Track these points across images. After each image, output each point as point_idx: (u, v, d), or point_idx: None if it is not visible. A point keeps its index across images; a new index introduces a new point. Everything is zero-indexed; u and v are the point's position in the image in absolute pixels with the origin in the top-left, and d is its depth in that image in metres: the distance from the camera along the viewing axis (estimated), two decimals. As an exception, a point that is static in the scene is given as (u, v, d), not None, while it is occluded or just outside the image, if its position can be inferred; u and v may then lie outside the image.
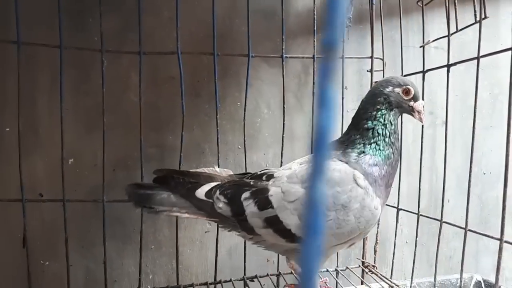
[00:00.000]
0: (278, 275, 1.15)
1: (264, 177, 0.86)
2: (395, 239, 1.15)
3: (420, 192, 1.10)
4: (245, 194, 0.83)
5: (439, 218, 1.00)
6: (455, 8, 0.89)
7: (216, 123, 1.06)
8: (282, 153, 1.12)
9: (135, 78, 1.14)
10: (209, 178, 0.90)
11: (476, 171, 1.49)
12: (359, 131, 0.83)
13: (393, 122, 0.84)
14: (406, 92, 0.84)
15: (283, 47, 1.07)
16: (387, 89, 0.84)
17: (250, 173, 0.93)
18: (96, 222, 1.08)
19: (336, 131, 1.21)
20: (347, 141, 0.84)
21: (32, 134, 1.13)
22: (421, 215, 1.07)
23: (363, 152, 0.81)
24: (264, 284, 1.14)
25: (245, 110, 1.08)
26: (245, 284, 1.11)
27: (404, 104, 0.85)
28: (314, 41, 1.10)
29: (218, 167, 1.08)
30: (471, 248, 1.50)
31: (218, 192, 0.85)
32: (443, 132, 1.40)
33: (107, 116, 1.14)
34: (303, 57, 1.14)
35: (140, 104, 1.00)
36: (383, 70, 1.16)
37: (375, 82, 0.87)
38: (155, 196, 0.87)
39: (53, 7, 0.96)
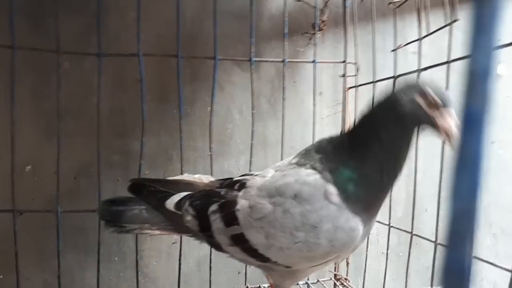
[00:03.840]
0: (246, 289, 1.09)
1: (236, 186, 0.77)
2: (366, 250, 1.11)
3: (391, 202, 1.05)
4: (213, 207, 0.75)
5: (412, 230, 0.96)
6: (426, 12, 0.85)
7: (179, 129, 1.01)
8: (251, 160, 1.07)
9: (98, 80, 1.09)
10: (188, 185, 0.82)
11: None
12: (356, 142, 0.69)
13: (396, 141, 0.66)
14: (431, 105, 0.64)
15: (252, 50, 1.02)
16: (405, 97, 0.66)
17: (232, 178, 0.83)
18: (55, 233, 1.02)
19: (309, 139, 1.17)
20: (338, 146, 0.71)
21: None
22: (391, 226, 1.03)
23: (348, 165, 0.68)
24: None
25: (211, 116, 1.03)
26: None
27: (425, 118, 0.65)
28: (284, 44, 1.05)
29: (182, 174, 1.03)
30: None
31: (187, 203, 0.77)
32: (420, 139, 1.37)
33: (69, 121, 1.09)
34: (272, 61, 1.09)
35: (98, 108, 0.95)
36: (356, 75, 1.12)
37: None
38: (126, 212, 0.79)
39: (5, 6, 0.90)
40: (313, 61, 1.07)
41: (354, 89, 1.14)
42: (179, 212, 0.76)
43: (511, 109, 1.51)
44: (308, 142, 1.19)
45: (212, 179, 0.86)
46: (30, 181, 1.09)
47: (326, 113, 1.31)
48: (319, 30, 1.14)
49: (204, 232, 0.76)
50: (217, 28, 1.01)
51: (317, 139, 1.16)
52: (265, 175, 0.78)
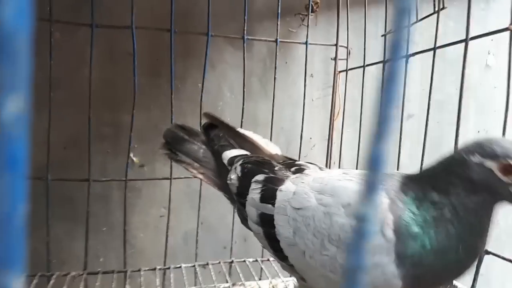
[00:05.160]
0: (231, 263, 1.12)
1: (294, 168, 0.72)
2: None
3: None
4: (259, 176, 0.70)
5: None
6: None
7: (171, 104, 1.03)
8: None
9: (90, 53, 1.09)
10: (253, 147, 0.80)
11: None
12: (425, 191, 0.56)
13: (472, 211, 0.54)
14: (506, 170, 0.52)
15: (245, 28, 1.03)
16: (473, 159, 0.54)
17: (296, 160, 0.79)
18: (44, 200, 1.03)
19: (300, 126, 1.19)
20: (416, 183, 0.58)
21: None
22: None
23: (413, 213, 0.55)
24: (219, 272, 1.12)
25: (202, 92, 1.04)
26: (195, 271, 1.08)
27: (500, 188, 0.53)
28: (277, 24, 1.06)
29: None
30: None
31: (240, 162, 0.74)
32: (409, 126, 1.40)
33: (60, 92, 1.09)
34: (265, 40, 1.10)
35: (90, 79, 0.96)
36: (347, 58, 1.14)
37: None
38: (186, 143, 0.81)
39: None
40: (305, 43, 1.08)
41: (344, 72, 1.16)
42: (229, 167, 0.75)
43: (499, 99, 1.53)
44: (298, 123, 1.21)
45: (279, 151, 0.82)
46: None
47: (316, 96, 1.33)
48: (312, 12, 1.15)
49: (239, 197, 0.72)
50: (211, 5, 1.01)
51: (306, 121, 1.20)
52: (331, 172, 0.70)
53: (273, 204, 0.65)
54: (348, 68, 1.15)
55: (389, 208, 0.55)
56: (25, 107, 0.14)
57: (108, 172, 1.17)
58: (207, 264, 1.10)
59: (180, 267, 1.07)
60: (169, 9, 1.05)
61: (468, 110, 1.47)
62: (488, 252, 0.76)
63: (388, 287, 0.55)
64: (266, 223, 0.66)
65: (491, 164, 0.52)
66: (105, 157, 1.17)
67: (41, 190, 1.07)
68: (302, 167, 0.72)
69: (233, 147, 0.79)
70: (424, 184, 0.57)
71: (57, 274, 1.01)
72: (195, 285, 1.04)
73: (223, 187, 0.77)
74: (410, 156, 1.40)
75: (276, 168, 0.71)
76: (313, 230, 0.60)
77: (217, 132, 0.81)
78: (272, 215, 0.65)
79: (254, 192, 0.69)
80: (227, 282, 1.05)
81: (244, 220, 0.73)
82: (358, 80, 1.16)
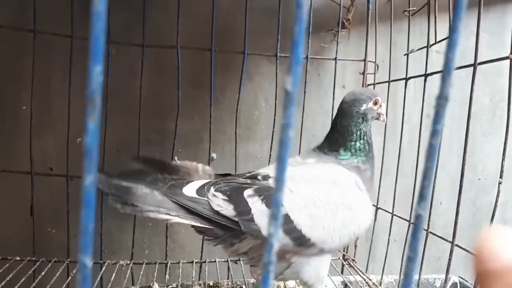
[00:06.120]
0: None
1: (259, 177, 0.81)
2: (372, 235, 1.20)
3: (395, 192, 1.14)
4: (248, 191, 0.76)
5: (410, 219, 1.04)
6: (435, 20, 0.91)
7: (210, 114, 1.14)
8: (271, 146, 1.19)
9: (140, 67, 1.23)
10: (188, 175, 0.82)
11: (471, 176, 1.50)
12: (347, 146, 0.88)
13: (369, 134, 0.90)
14: (376, 102, 0.90)
15: (278, 46, 1.12)
16: (362, 108, 0.88)
17: (230, 174, 0.88)
18: (98, 197, 1.18)
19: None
20: (335, 151, 0.88)
21: (46, 114, 1.24)
22: (394, 215, 1.12)
23: (355, 161, 0.87)
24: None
25: (238, 104, 1.15)
26: (228, 266, 1.19)
27: (374, 113, 0.91)
28: (308, 42, 1.14)
29: (210, 156, 1.16)
30: (459, 250, 1.53)
31: (212, 189, 0.75)
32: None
33: (114, 101, 1.23)
34: (296, 57, 1.18)
35: (140, 91, 1.09)
36: (375, 73, 1.20)
37: (344, 98, 0.91)
38: (135, 190, 0.70)
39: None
40: (335, 59, 1.16)
41: (372, 85, 1.22)
42: (204, 198, 0.74)
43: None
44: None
45: (210, 171, 0.86)
46: (80, 152, 1.25)
47: (348, 106, 1.39)
48: (343, 28, 1.22)
49: (242, 216, 0.73)
50: (248, 24, 1.11)
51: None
52: (289, 169, 0.81)
53: (282, 205, 0.75)
54: (376, 82, 1.21)
55: (348, 170, 0.84)
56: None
57: (154, 173, 1.30)
58: (239, 260, 1.20)
59: (214, 261, 1.19)
60: (210, 28, 1.17)
61: (502, 121, 1.46)
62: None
63: (370, 222, 0.85)
64: (284, 221, 0.74)
65: (370, 104, 0.89)
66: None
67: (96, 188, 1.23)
68: (263, 174, 0.82)
69: (187, 181, 0.77)
70: (339, 138, 0.88)
71: (108, 262, 1.15)
72: (227, 279, 1.14)
73: (204, 218, 0.74)
74: (441, 165, 1.42)
75: (249, 181, 0.79)
76: (323, 207, 0.77)
77: (151, 174, 0.76)
78: (287, 213, 0.75)
79: (257, 204, 0.74)
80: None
81: (256, 233, 0.74)
82: (391, 90, 1.21)
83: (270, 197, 0.68)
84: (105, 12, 0.19)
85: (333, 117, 0.94)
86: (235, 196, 0.74)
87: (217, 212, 0.73)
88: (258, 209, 0.74)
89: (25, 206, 1.18)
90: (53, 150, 1.26)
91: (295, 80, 0.21)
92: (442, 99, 0.25)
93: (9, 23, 1.15)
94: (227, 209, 0.73)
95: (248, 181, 0.79)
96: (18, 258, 1.08)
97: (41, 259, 1.11)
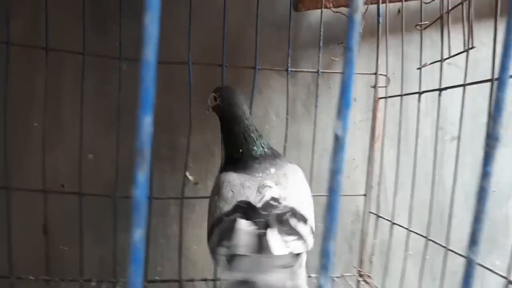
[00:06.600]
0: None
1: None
2: (387, 251, 1.18)
3: (411, 206, 1.12)
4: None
5: (427, 234, 1.02)
6: (448, 34, 0.91)
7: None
8: (284, 161, 1.18)
9: (152, 82, 1.23)
10: None
11: (485, 188, 1.48)
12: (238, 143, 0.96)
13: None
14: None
15: (289, 61, 1.12)
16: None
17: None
18: (110, 214, 1.18)
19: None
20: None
21: (57, 130, 1.24)
22: (410, 230, 1.10)
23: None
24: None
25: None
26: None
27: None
28: (319, 57, 1.14)
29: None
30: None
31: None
32: (451, 148, 1.41)
33: (126, 116, 1.23)
34: (307, 71, 1.18)
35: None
36: (386, 86, 1.19)
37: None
38: None
39: (78, 15, 1.06)
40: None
41: (384, 99, 1.21)
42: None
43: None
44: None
45: None
46: (92, 168, 1.25)
47: (359, 118, 1.38)
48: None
49: None
50: (258, 39, 1.11)
51: (349, 143, 1.26)
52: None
53: None
54: (388, 95, 1.20)
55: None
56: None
57: (165, 188, 1.29)
58: (253, 277, 1.19)
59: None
60: (220, 42, 1.17)
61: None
62: None
63: None
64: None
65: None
66: (163, 175, 1.30)
67: (108, 205, 1.22)
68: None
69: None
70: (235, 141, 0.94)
71: (122, 280, 1.14)
72: (242, 296, 1.12)
73: None
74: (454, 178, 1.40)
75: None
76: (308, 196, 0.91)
77: None
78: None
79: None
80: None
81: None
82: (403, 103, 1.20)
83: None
84: (155, 62, 0.18)
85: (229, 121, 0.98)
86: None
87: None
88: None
89: (36, 224, 1.18)
90: (64, 167, 1.25)
91: (345, 124, 0.20)
92: (492, 140, 0.24)
93: (21, 40, 1.15)
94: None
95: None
96: (32, 277, 1.08)
97: (55, 278, 1.10)
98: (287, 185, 0.85)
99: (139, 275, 0.21)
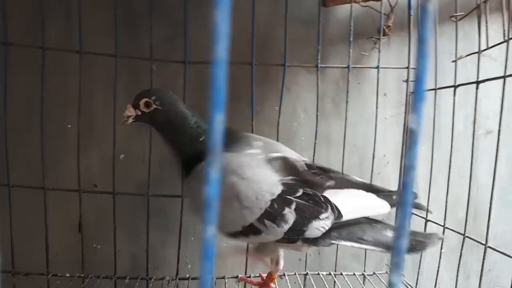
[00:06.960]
0: (306, 275, 1.20)
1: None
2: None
3: (446, 204, 1.10)
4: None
5: (464, 232, 1.00)
6: (486, 25, 0.88)
7: (251, 128, 1.13)
8: (314, 158, 1.17)
9: (182, 82, 1.23)
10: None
11: (523, 184, 1.44)
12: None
13: None
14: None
15: (318, 58, 1.10)
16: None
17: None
18: (142, 212, 1.19)
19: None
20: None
21: (90, 132, 1.26)
22: (446, 227, 1.07)
23: None
24: (295, 282, 1.21)
25: (279, 118, 1.13)
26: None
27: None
28: (349, 51, 1.12)
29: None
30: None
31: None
32: (485, 143, 1.37)
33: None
34: (338, 67, 1.17)
35: (182, 108, 1.09)
36: (419, 80, 1.16)
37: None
38: None
39: (109, 17, 1.08)
40: (377, 67, 1.13)
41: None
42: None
43: None
44: (370, 141, 1.25)
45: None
46: (124, 168, 1.27)
47: (390, 113, 1.36)
48: (384, 35, 1.19)
49: None
50: (287, 36, 1.10)
51: (380, 139, 1.24)
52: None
53: None
54: (421, 89, 1.17)
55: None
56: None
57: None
58: (284, 274, 1.19)
59: (259, 276, 1.17)
60: (247, 41, 1.16)
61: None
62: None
63: None
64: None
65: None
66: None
67: (139, 204, 1.24)
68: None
69: None
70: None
71: (154, 277, 1.15)
72: (274, 294, 1.12)
73: None
74: (489, 173, 1.36)
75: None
76: None
77: None
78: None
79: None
80: (303, 293, 1.13)
81: None
82: (433, 99, 1.18)
83: None
84: (227, 61, 0.18)
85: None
86: None
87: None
88: None
89: (71, 222, 1.21)
90: (97, 167, 1.28)
91: (419, 118, 0.20)
92: None
93: (55, 43, 1.18)
94: None
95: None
96: (68, 275, 1.10)
97: (90, 275, 1.12)
98: (285, 148, 0.92)
99: (211, 272, 0.21)
